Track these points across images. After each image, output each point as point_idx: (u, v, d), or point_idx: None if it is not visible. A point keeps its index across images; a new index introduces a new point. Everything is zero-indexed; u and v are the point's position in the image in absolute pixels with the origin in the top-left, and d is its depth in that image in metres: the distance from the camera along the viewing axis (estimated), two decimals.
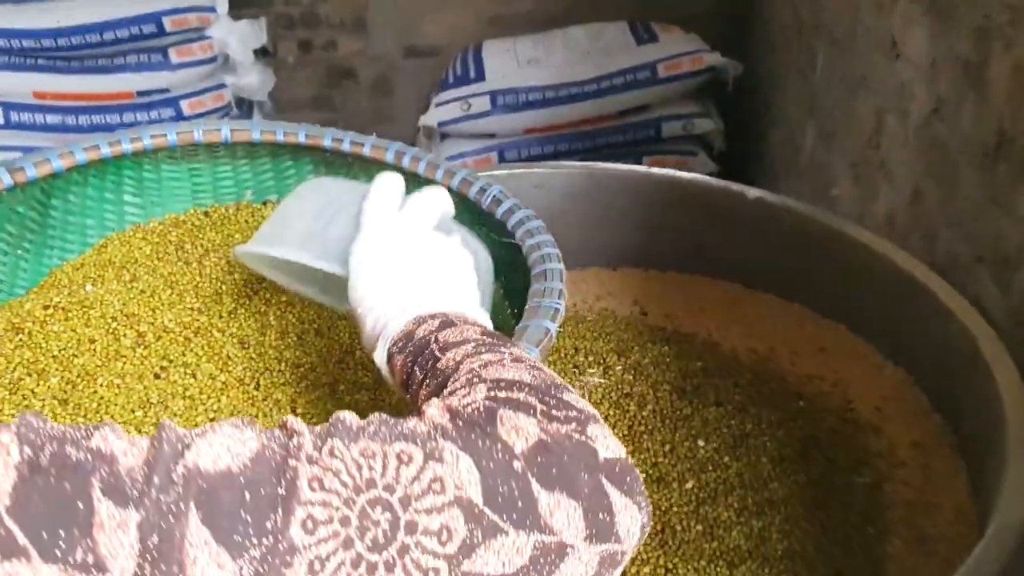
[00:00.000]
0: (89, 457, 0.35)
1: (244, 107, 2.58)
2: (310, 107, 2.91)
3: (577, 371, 0.92)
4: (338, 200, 0.69)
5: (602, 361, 0.94)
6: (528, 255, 0.78)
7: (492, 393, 0.45)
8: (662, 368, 0.94)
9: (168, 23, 2.33)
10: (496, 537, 0.39)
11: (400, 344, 0.56)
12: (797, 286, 1.13)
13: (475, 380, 0.47)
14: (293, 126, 0.99)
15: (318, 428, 0.40)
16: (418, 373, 0.53)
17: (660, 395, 0.90)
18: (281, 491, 0.36)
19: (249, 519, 0.35)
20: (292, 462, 0.37)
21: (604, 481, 0.42)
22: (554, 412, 0.44)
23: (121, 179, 1.00)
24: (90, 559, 0.33)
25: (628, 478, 0.44)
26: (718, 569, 0.75)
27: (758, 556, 0.77)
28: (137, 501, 0.34)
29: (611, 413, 0.88)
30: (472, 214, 0.89)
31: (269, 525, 0.35)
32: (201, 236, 0.95)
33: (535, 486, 0.41)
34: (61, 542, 0.33)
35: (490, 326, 0.58)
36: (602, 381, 0.90)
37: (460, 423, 0.42)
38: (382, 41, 2.84)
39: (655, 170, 1.23)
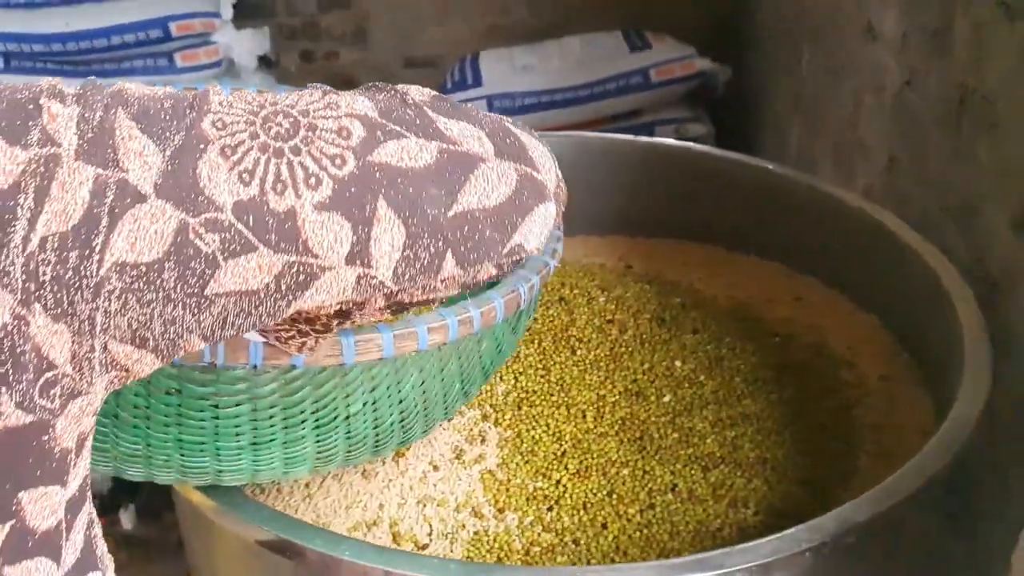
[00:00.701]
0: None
1: None
2: None
3: (563, 302, 0.98)
4: None
5: (586, 294, 0.99)
6: None
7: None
8: (643, 301, 0.99)
9: (174, 28, 2.41)
10: (398, 139, 0.45)
11: None
12: (776, 245, 1.19)
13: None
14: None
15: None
16: None
17: (640, 322, 0.96)
18: (193, 112, 0.43)
19: (170, 118, 0.42)
20: (199, 100, 0.44)
21: (506, 123, 0.50)
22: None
23: None
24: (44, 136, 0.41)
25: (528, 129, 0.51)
26: (692, 472, 0.80)
27: (731, 462, 0.81)
28: (75, 99, 0.42)
29: (593, 336, 0.93)
30: None
31: (186, 122, 0.42)
32: None
33: (431, 113, 0.47)
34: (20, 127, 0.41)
35: None
36: None
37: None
38: (382, 51, 2.92)
39: (641, 138, 1.29)
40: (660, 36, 2.57)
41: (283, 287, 0.42)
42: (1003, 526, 0.97)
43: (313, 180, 0.42)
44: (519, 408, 0.86)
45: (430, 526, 0.76)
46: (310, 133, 0.43)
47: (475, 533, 0.76)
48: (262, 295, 0.42)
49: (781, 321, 1.04)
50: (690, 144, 1.26)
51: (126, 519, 2.01)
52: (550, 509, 0.77)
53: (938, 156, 1.15)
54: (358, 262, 0.43)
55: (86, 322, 0.40)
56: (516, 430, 0.84)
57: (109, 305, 0.40)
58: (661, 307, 0.99)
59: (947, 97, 1.11)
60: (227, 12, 2.44)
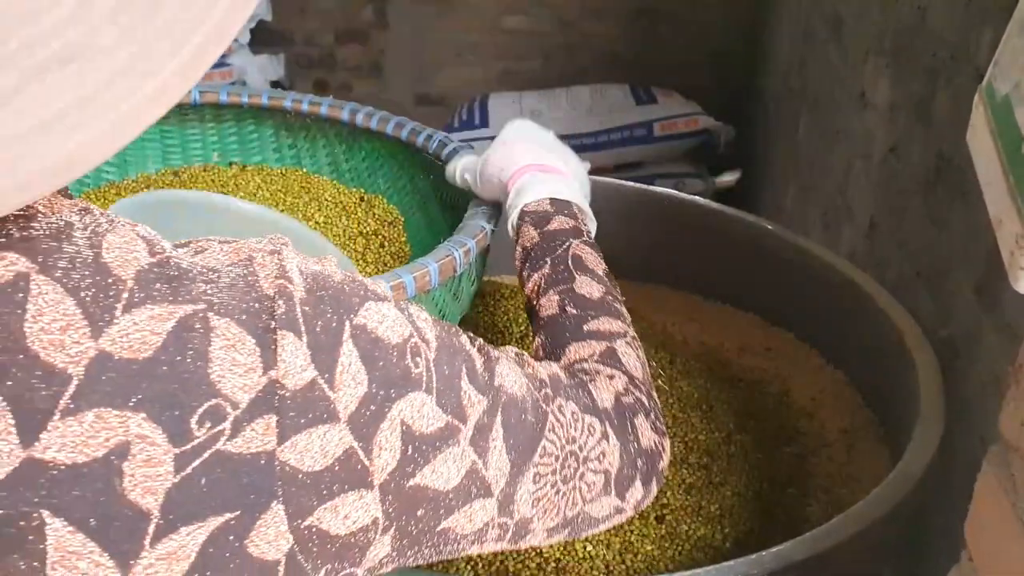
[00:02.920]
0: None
1: None
2: None
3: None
4: None
5: None
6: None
7: (631, 391, 0.62)
8: None
9: None
10: (607, 496, 0.57)
11: (534, 217, 0.76)
12: (753, 297, 1.21)
13: (617, 365, 0.64)
14: (257, 90, 1.08)
15: (549, 376, 0.55)
16: (548, 267, 0.72)
17: None
18: (538, 426, 0.51)
19: (523, 439, 0.49)
20: (543, 406, 0.52)
21: (655, 482, 0.62)
22: (655, 421, 0.62)
23: None
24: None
25: (663, 479, 0.64)
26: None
27: (683, 507, 0.83)
28: (483, 390, 0.48)
29: None
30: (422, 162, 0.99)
31: (530, 444, 0.50)
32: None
33: (638, 480, 0.59)
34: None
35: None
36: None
37: (618, 413, 0.58)
38: (395, 87, 2.98)
39: (628, 183, 1.31)
40: (667, 92, 2.62)
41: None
42: None
43: (555, 512, 0.53)
44: None
45: None
46: (579, 482, 0.54)
47: None
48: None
49: (749, 369, 1.06)
50: (675, 192, 1.29)
51: None
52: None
53: (915, 221, 1.18)
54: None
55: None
56: None
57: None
58: None
59: (926, 164, 1.14)
60: (244, 37, 2.49)
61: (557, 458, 0.52)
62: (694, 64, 2.82)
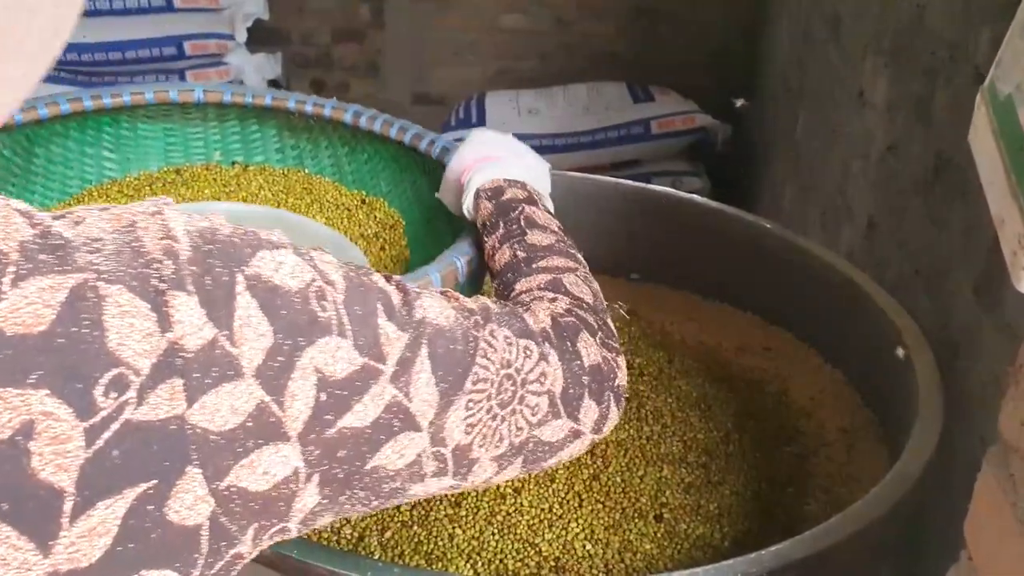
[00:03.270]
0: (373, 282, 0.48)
1: None
2: None
3: None
4: None
5: None
6: None
7: (574, 310, 0.63)
8: None
9: (188, 47, 2.46)
10: (557, 419, 0.56)
11: (488, 193, 0.81)
12: (752, 296, 1.21)
13: (560, 290, 0.66)
14: (261, 90, 1.08)
15: (479, 306, 0.54)
16: (502, 228, 0.76)
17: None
18: (469, 353, 0.50)
19: (452, 368, 0.49)
20: (474, 333, 0.51)
21: (613, 399, 0.61)
22: (605, 339, 0.63)
23: (100, 134, 1.08)
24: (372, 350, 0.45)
25: (623, 398, 0.63)
26: (641, 512, 0.82)
27: (683, 506, 0.83)
28: (402, 326, 0.47)
29: None
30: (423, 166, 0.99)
31: (459, 371, 0.49)
32: (172, 192, 1.03)
33: (587, 399, 0.59)
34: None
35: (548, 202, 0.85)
36: None
37: (557, 333, 0.58)
38: (393, 87, 2.97)
39: (626, 182, 1.31)
40: (664, 90, 2.62)
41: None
42: None
43: (497, 440, 0.53)
44: None
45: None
46: (518, 405, 0.54)
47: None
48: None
49: (748, 369, 1.06)
50: (673, 191, 1.29)
51: None
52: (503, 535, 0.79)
53: (914, 220, 1.18)
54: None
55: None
56: None
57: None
58: (631, 349, 1.01)
59: (925, 163, 1.14)
60: (241, 35, 2.49)
61: (492, 383, 0.51)
62: (693, 64, 2.82)
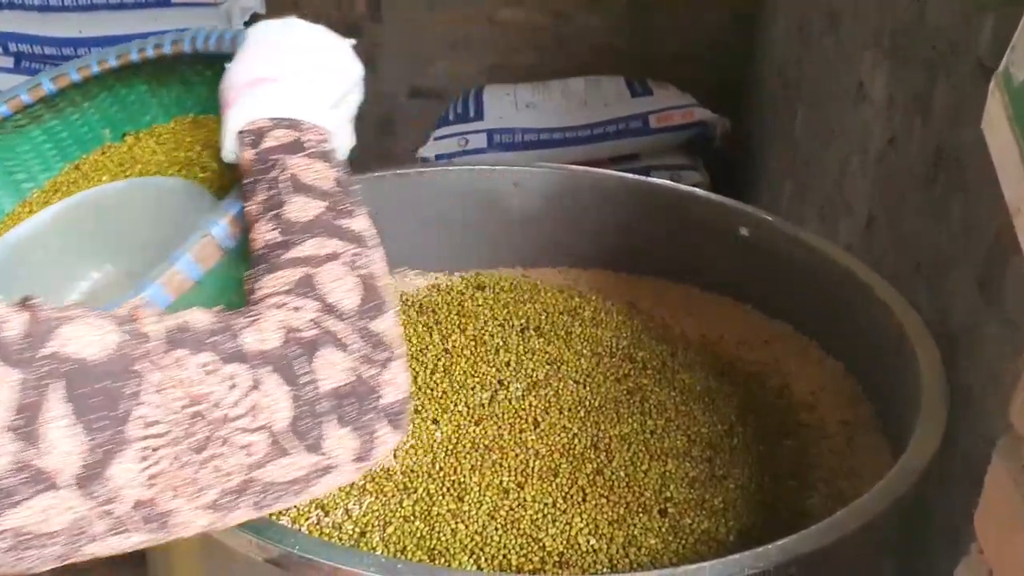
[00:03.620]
0: None
1: None
2: None
3: (539, 332, 0.99)
4: None
5: (565, 326, 1.01)
6: None
7: (320, 321, 0.52)
8: (619, 336, 1.01)
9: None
10: (285, 456, 0.48)
11: (249, 138, 0.63)
12: (752, 289, 1.21)
13: (310, 292, 0.53)
14: (102, 53, 0.99)
15: (166, 328, 0.46)
16: (260, 192, 0.60)
17: (615, 356, 0.97)
18: (130, 393, 0.43)
19: (106, 412, 0.42)
20: (143, 365, 0.44)
21: (381, 420, 0.52)
22: (364, 351, 0.52)
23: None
24: None
25: (400, 417, 0.53)
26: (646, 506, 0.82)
27: (684, 502, 0.83)
28: (16, 363, 0.41)
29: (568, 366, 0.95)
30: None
31: (117, 414, 0.42)
32: (77, 190, 1.00)
33: (330, 425, 0.49)
34: None
35: (335, 138, 0.66)
36: None
37: (286, 353, 0.49)
38: (389, 80, 2.96)
39: (629, 176, 1.31)
40: (662, 84, 2.61)
41: None
42: None
43: (197, 489, 0.46)
44: (482, 424, 0.87)
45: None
46: (222, 448, 0.46)
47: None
48: None
49: (749, 362, 1.06)
50: (674, 184, 1.29)
51: None
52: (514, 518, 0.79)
53: (913, 215, 1.17)
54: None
55: None
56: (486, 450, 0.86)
57: None
58: (634, 343, 1.01)
59: (925, 157, 1.14)
60: (239, 26, 2.48)
61: (174, 424, 0.44)
62: (690, 58, 2.81)
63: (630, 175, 1.32)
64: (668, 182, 1.30)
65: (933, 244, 1.09)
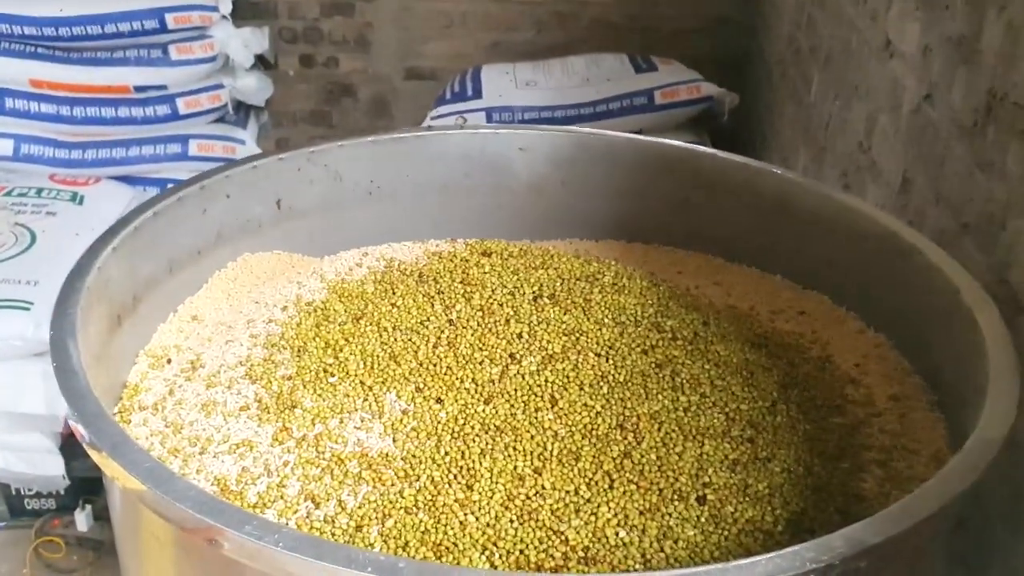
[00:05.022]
0: None
1: (242, 111, 2.58)
2: (307, 121, 2.92)
3: (554, 300, 0.89)
4: None
5: (583, 295, 0.90)
6: None
7: None
8: (642, 304, 0.91)
9: (171, 20, 2.34)
10: None
11: None
12: (779, 257, 1.11)
13: None
14: None
15: None
16: None
17: (640, 326, 0.87)
18: None
19: None
20: None
21: None
22: None
23: None
24: None
25: None
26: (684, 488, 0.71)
27: (729, 485, 0.73)
28: None
29: (589, 336, 0.85)
30: None
31: None
32: None
33: None
34: None
35: None
36: None
37: None
38: (384, 61, 2.86)
39: (641, 138, 1.21)
40: (667, 60, 2.52)
41: None
42: (1018, 567, 0.88)
43: None
44: (504, 398, 0.77)
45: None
46: None
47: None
48: None
49: (784, 333, 0.96)
50: (693, 146, 1.18)
51: (81, 520, 1.91)
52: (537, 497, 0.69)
53: (958, 171, 1.07)
54: None
55: None
56: (505, 421, 0.76)
57: None
58: (661, 312, 0.91)
59: (973, 106, 1.03)
60: (225, 6, 2.38)
61: None
62: (693, 32, 2.72)
63: (644, 137, 1.22)
64: (684, 143, 1.19)
65: (984, 198, 0.99)
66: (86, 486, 1.90)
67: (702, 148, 1.17)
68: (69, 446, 1.85)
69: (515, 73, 2.58)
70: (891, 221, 0.99)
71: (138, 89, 2.39)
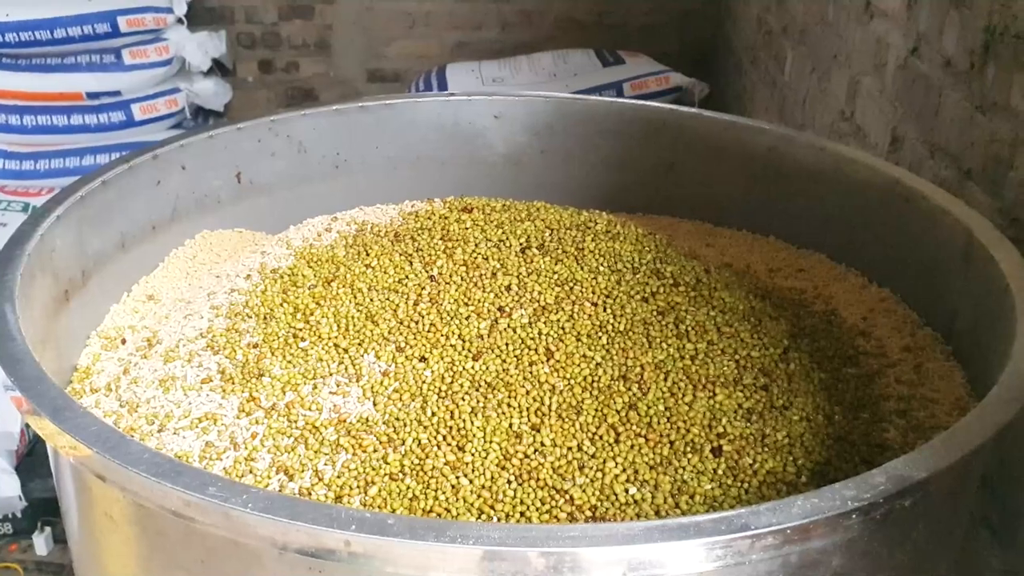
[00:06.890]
0: None
1: (201, 116, 2.50)
2: None
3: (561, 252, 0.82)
4: None
5: (576, 245, 0.84)
6: None
7: None
8: (640, 252, 0.84)
9: (123, 23, 2.26)
10: None
11: None
12: (772, 218, 1.05)
13: None
14: None
15: None
16: None
17: (639, 274, 0.80)
18: None
19: None
20: None
21: None
22: None
23: None
24: None
25: None
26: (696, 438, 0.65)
27: (748, 434, 0.66)
28: None
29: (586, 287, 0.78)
30: None
31: None
32: None
33: None
34: None
35: None
36: None
37: None
38: (346, 64, 2.80)
39: (622, 100, 1.16)
40: (634, 53, 2.49)
41: None
42: None
43: None
44: (497, 351, 0.71)
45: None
46: None
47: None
48: None
49: (786, 289, 0.90)
50: (676, 107, 1.13)
51: (40, 544, 1.81)
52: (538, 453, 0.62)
53: (955, 118, 1.03)
54: None
55: None
56: (507, 373, 0.69)
57: None
58: (659, 258, 0.84)
59: (968, 48, 0.99)
60: (180, 8, 2.30)
61: None
62: (659, 27, 2.69)
63: (625, 100, 1.16)
64: (668, 105, 1.14)
65: (987, 141, 0.94)
66: (44, 507, 1.80)
67: (686, 109, 1.12)
68: (26, 465, 1.76)
69: (481, 70, 2.53)
70: (892, 168, 0.94)
71: (91, 96, 2.30)
